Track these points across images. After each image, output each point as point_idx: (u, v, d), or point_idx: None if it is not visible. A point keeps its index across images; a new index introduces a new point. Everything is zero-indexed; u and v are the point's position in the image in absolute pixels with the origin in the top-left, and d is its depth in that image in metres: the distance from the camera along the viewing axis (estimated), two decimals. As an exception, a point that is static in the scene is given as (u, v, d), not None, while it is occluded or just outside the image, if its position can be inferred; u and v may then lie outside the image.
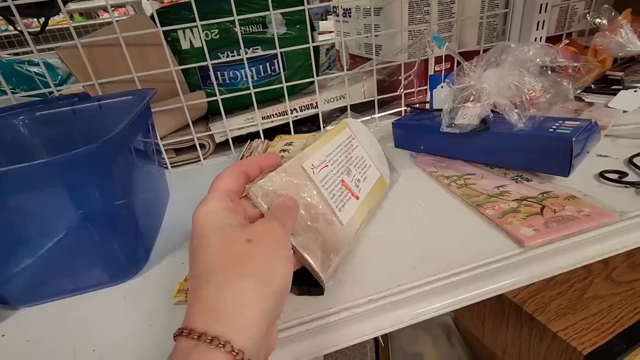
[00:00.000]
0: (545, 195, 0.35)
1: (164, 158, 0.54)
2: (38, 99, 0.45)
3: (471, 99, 0.41)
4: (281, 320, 0.27)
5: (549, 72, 0.39)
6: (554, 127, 0.37)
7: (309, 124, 0.62)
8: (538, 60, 0.37)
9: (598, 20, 0.59)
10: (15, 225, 0.29)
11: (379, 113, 0.61)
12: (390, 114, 0.63)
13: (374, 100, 0.60)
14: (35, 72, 0.73)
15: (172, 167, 0.55)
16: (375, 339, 0.64)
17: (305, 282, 0.28)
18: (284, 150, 0.51)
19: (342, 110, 0.62)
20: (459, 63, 0.45)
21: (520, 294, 0.47)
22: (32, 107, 0.41)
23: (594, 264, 0.49)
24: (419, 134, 0.48)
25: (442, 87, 0.49)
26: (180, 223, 0.41)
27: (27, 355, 0.27)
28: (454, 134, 0.42)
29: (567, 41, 0.65)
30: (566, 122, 0.37)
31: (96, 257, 0.32)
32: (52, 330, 0.29)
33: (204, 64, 0.51)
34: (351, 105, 0.60)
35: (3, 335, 0.29)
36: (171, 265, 0.34)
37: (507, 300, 0.48)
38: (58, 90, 0.48)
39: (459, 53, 0.50)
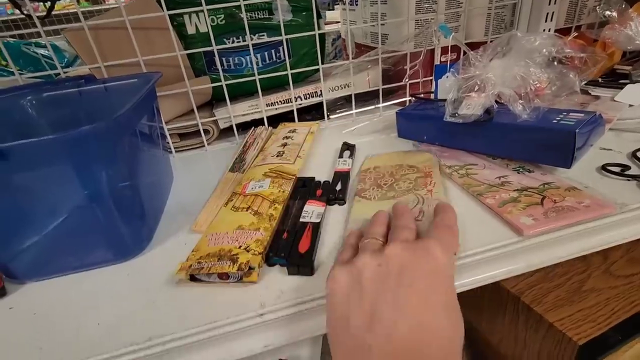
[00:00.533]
0: (546, 186, 0.35)
1: (168, 142, 0.54)
2: (45, 80, 0.46)
3: (476, 89, 0.41)
4: (279, 299, 0.27)
5: (556, 63, 0.38)
6: (558, 118, 0.37)
7: (312, 113, 0.62)
8: (545, 50, 0.36)
9: (608, 12, 0.58)
10: (22, 203, 0.29)
11: (382, 102, 0.61)
12: (394, 103, 0.63)
13: (378, 90, 0.60)
14: (42, 55, 0.74)
15: (176, 151, 0.56)
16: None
17: (296, 262, 0.29)
18: (286, 137, 0.51)
19: (347, 99, 0.62)
20: (465, 53, 0.45)
21: (518, 284, 0.48)
22: (39, 87, 0.42)
23: (593, 258, 0.49)
24: (423, 124, 0.48)
25: (447, 77, 0.49)
26: (183, 206, 0.41)
27: (34, 327, 0.28)
28: (458, 124, 0.42)
29: (576, 34, 0.64)
30: (570, 113, 0.37)
31: (101, 236, 0.32)
32: (58, 304, 0.29)
33: (209, 48, 0.51)
34: (355, 95, 0.60)
35: (11, 308, 0.30)
36: (174, 246, 0.35)
37: (505, 290, 0.48)
38: (65, 72, 0.48)
39: (465, 44, 0.50)
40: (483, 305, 0.55)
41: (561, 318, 0.42)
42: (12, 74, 0.47)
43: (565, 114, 0.37)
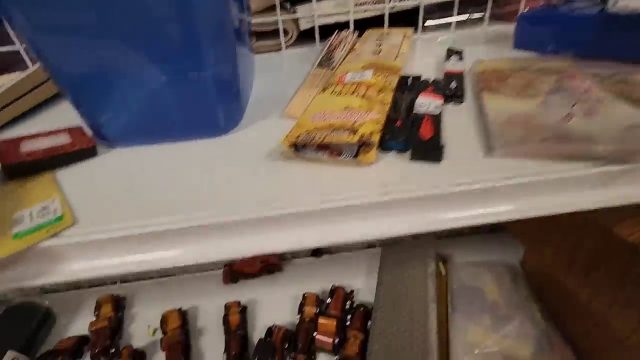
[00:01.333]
0: None
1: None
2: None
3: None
4: (404, 182, 0.23)
5: None
6: None
7: (401, 24, 0.54)
8: None
9: None
10: (119, 55, 0.26)
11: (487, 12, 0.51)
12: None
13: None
14: None
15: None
16: (436, 267, 0.62)
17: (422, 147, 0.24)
18: (379, 40, 0.45)
19: (440, 7, 0.53)
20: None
21: (636, 233, 0.41)
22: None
23: None
24: (553, 29, 0.39)
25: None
26: (268, 100, 0.37)
27: (126, 188, 0.26)
28: (604, 26, 0.33)
29: None
30: None
31: (196, 107, 0.29)
32: (150, 169, 0.27)
33: None
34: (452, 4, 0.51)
35: (102, 167, 0.28)
36: (267, 127, 0.31)
37: (616, 238, 0.41)
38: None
39: None
40: (577, 255, 0.49)
41: (697, 273, 0.35)
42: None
43: None
